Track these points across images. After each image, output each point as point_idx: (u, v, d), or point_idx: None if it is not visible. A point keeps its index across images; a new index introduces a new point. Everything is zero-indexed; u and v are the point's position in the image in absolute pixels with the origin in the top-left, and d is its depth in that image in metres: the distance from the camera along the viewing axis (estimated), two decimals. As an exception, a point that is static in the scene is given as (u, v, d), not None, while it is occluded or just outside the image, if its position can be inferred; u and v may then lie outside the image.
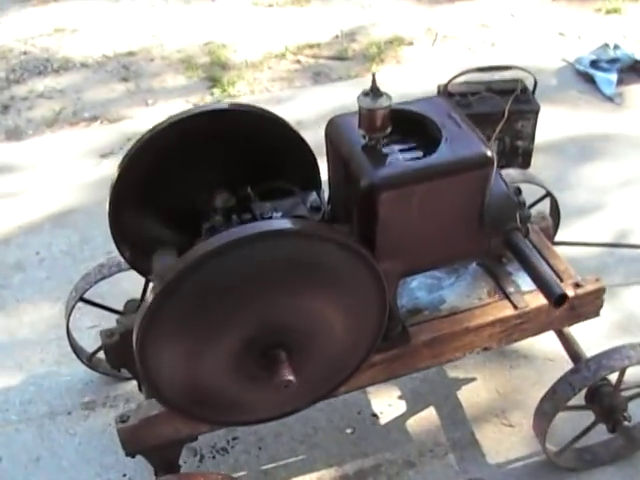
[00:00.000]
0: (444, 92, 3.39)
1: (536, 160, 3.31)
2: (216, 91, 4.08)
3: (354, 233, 1.96)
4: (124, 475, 2.40)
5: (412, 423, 2.55)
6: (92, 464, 2.45)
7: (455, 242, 2.06)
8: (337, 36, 4.66)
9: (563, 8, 4.91)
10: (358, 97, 1.87)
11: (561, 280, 2.30)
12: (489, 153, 1.92)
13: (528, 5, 4.90)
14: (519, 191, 2.11)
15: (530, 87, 3.44)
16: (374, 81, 1.85)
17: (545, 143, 3.54)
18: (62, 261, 3.15)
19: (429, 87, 3.45)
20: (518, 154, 3.45)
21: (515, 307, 2.24)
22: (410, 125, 1.99)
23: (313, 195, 2.10)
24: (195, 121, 2.05)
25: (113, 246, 3.05)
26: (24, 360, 2.77)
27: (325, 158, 2.06)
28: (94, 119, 3.92)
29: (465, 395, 2.62)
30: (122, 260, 2.41)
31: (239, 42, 4.60)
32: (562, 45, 4.48)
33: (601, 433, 2.36)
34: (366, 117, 1.87)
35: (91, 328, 2.79)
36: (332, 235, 1.78)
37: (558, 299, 1.93)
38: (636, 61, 4.17)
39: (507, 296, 2.27)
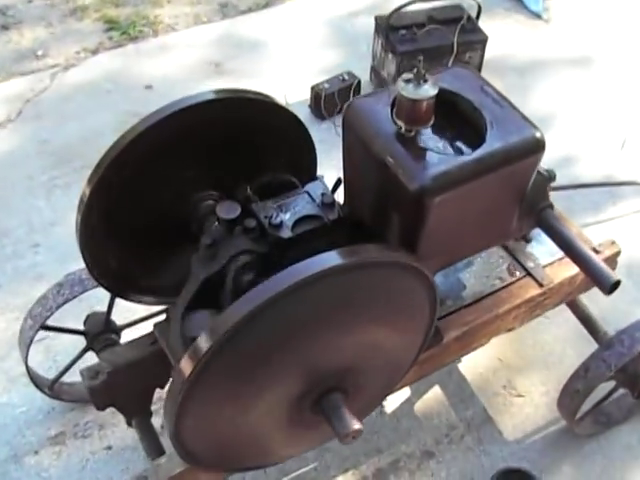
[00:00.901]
0: (386, 26, 3.10)
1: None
2: (114, 34, 3.54)
3: (391, 237, 1.70)
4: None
5: (420, 406, 2.38)
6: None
7: (495, 229, 1.85)
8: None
9: None
10: (398, 84, 1.57)
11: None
12: (540, 135, 1.68)
13: None
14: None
15: (473, 14, 3.22)
16: (419, 66, 1.54)
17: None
18: (-22, 261, 2.69)
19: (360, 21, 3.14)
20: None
21: (540, 285, 2.07)
22: (442, 106, 1.70)
23: (319, 187, 1.79)
24: (168, 122, 1.68)
25: (38, 239, 2.66)
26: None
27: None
28: (-21, 79, 3.33)
29: (467, 368, 2.47)
30: (84, 276, 2.05)
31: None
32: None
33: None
34: (408, 107, 1.58)
35: (38, 341, 2.40)
36: (394, 258, 1.51)
37: (613, 287, 1.77)
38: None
39: (529, 273, 2.10)
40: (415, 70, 1.55)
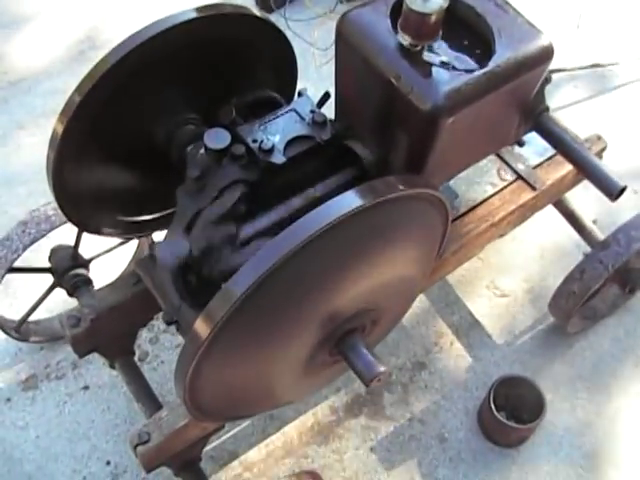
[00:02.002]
0: None
1: None
2: None
3: (395, 158, 1.55)
4: (107, 463, 2.01)
5: (406, 316, 2.29)
6: (63, 459, 2.01)
7: (497, 137, 1.73)
8: None
9: None
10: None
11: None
12: (549, 42, 1.53)
13: None
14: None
15: None
16: (427, -24, 1.36)
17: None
18: None
19: None
20: None
21: (533, 188, 1.98)
22: (449, 20, 1.52)
23: (307, 104, 1.62)
24: (143, 47, 1.48)
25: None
26: None
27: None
28: None
29: (456, 278, 2.39)
30: (50, 213, 1.86)
31: None
32: None
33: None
34: (416, 21, 1.40)
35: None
36: (415, 191, 1.37)
37: (619, 193, 1.68)
38: None
39: (520, 176, 2.00)
40: (423, -21, 1.37)
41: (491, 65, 1.46)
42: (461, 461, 2.07)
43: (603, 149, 2.11)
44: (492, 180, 1.99)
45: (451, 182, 1.97)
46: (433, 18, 1.40)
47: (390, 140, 1.54)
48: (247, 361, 1.37)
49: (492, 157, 2.03)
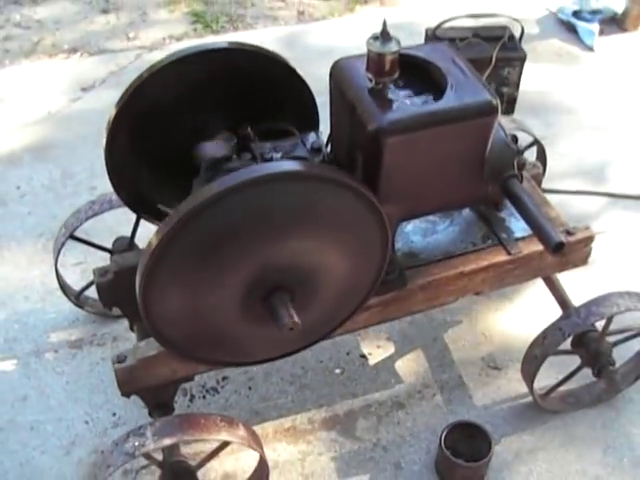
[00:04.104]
0: (432, 36, 3.35)
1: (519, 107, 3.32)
2: (199, 27, 3.97)
3: (358, 177, 1.95)
4: (114, 414, 2.41)
5: (400, 365, 2.58)
6: (80, 403, 2.44)
7: (456, 188, 2.06)
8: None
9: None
10: (367, 41, 1.83)
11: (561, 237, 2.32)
12: (494, 101, 1.91)
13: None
14: (515, 139, 2.11)
15: (517, 35, 3.42)
16: (385, 25, 1.81)
17: (527, 91, 3.53)
18: (44, 196, 3.09)
19: (415, 29, 3.41)
20: (503, 100, 3.44)
21: (508, 253, 2.26)
22: (415, 70, 1.97)
23: (313, 136, 2.07)
24: (194, 59, 2.01)
25: (97, 183, 3.02)
26: (7, 297, 2.74)
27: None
28: (73, 51, 3.80)
29: (452, 338, 2.66)
30: (113, 198, 2.38)
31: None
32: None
33: (584, 377, 2.42)
34: (375, 61, 1.84)
35: (76, 265, 2.77)
36: (334, 175, 1.76)
37: (556, 246, 1.94)
38: (616, 13, 4.17)
39: (501, 242, 2.29)
40: (382, 30, 1.82)
41: (434, 106, 1.87)
42: (409, 489, 2.27)
43: (590, 238, 2.32)
44: (475, 241, 2.29)
45: (438, 236, 2.29)
46: (388, 58, 1.82)
47: (354, 161, 1.95)
48: (189, 285, 1.75)
49: (482, 225, 2.34)
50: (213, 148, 1.98)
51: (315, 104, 2.20)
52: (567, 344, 2.32)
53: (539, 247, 2.27)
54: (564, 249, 1.96)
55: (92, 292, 2.53)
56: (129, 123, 2.04)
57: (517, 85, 3.43)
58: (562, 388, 2.45)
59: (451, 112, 1.87)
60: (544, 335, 2.27)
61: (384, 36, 1.81)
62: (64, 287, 2.56)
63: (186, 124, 2.11)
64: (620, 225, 3.07)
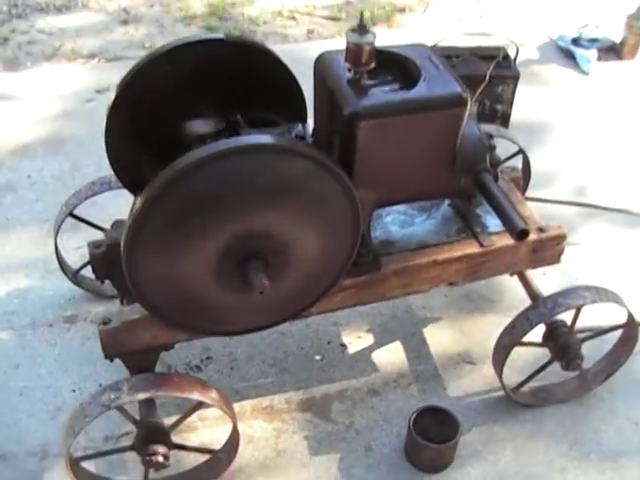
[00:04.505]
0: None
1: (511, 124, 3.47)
2: (212, 40, 4.16)
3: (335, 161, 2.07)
4: (100, 385, 2.51)
5: (379, 355, 2.68)
6: (70, 374, 2.56)
7: (428, 178, 2.17)
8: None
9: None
10: (346, 33, 1.97)
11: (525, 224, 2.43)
12: (463, 93, 2.03)
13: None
14: (490, 136, 2.23)
15: (512, 56, 3.57)
16: (362, 18, 1.95)
17: (522, 110, 3.67)
18: (52, 186, 3.26)
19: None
20: (497, 117, 3.59)
21: (481, 245, 2.36)
22: (392, 65, 2.10)
23: (299, 126, 2.21)
24: (189, 49, 2.14)
25: (103, 175, 3.16)
26: (9, 274, 2.89)
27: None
28: (92, 57, 4.01)
29: (431, 333, 2.76)
30: (112, 180, 2.52)
31: (238, -3, 4.70)
32: (547, 23, 4.62)
33: (558, 376, 2.53)
34: (352, 51, 1.98)
35: (77, 249, 2.89)
36: (308, 151, 1.88)
37: (520, 233, 2.05)
38: (614, 43, 4.32)
39: (474, 235, 2.39)
40: (359, 22, 1.96)
41: (406, 95, 2.00)
42: (376, 469, 2.35)
43: (561, 237, 2.41)
44: (450, 233, 2.40)
45: (415, 228, 2.40)
46: (364, 48, 1.96)
47: (332, 146, 2.08)
48: (169, 249, 1.87)
49: (457, 219, 2.45)
50: (201, 125, 2.12)
51: (304, 100, 2.33)
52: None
53: (511, 241, 2.38)
54: (527, 236, 2.07)
55: (88, 271, 2.67)
56: (127, 108, 2.17)
57: (511, 102, 3.57)
58: (535, 384, 2.54)
59: (421, 101, 2.01)
60: (513, 325, 2.36)
61: (361, 28, 1.95)
62: (63, 264, 2.69)
63: (181, 111, 2.25)
64: (600, 237, 3.17)
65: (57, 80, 3.89)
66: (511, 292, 2.83)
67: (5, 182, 3.28)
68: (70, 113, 3.67)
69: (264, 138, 1.89)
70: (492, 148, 2.25)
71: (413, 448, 2.35)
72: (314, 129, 2.23)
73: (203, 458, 2.28)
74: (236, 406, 2.46)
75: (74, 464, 2.09)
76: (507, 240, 2.38)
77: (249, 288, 1.92)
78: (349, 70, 2.02)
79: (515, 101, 3.53)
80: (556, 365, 2.46)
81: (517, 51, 3.51)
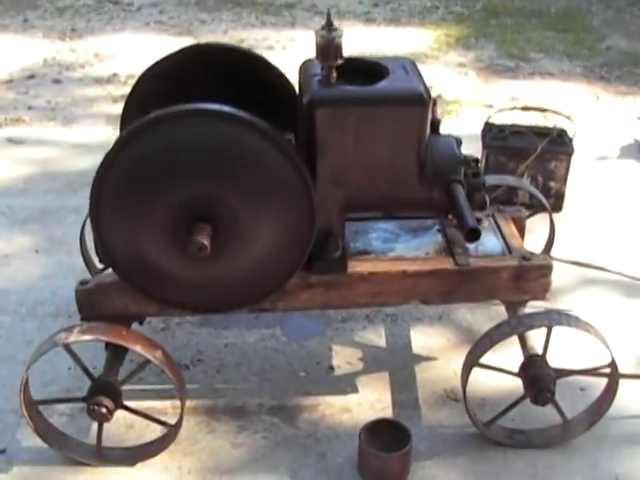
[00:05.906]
0: (485, 123, 3.63)
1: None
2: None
3: (301, 155, 2.21)
4: (94, 368, 2.68)
5: (363, 380, 2.69)
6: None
7: (396, 185, 2.26)
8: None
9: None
10: (315, 31, 2.19)
11: (510, 252, 2.44)
12: (424, 93, 2.16)
13: (613, 90, 5.10)
14: (460, 142, 2.31)
15: (572, 135, 3.60)
16: (329, 16, 2.16)
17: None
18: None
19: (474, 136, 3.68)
20: (550, 195, 3.58)
21: (456, 263, 2.38)
22: (366, 70, 2.28)
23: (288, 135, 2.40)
24: (182, 57, 2.44)
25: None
26: (50, 274, 3.21)
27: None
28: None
29: (422, 368, 2.74)
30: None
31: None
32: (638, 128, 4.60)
33: (542, 422, 2.45)
34: (321, 47, 2.18)
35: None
36: (260, 124, 2.06)
37: (470, 231, 2.10)
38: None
39: (451, 253, 2.43)
40: (326, 20, 2.16)
41: (367, 88, 2.16)
42: (325, 475, 2.33)
43: (547, 267, 2.39)
44: (429, 251, 2.45)
45: (396, 244, 2.48)
46: (332, 43, 2.15)
47: (299, 140, 2.25)
48: (127, 211, 2.09)
49: (442, 240, 2.50)
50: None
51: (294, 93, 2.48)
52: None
53: (490, 264, 2.40)
54: (478, 237, 2.11)
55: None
56: (138, 103, 2.47)
57: (564, 180, 3.58)
58: (514, 426, 2.45)
59: (380, 95, 2.16)
60: (476, 343, 2.33)
61: (329, 25, 2.16)
62: (88, 263, 2.94)
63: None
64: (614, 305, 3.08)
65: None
66: (512, 345, 2.76)
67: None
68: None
69: (216, 106, 2.07)
70: (467, 161, 2.32)
71: (361, 458, 2.32)
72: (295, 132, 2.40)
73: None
74: (209, 402, 2.56)
75: (30, 405, 2.25)
76: (485, 262, 2.40)
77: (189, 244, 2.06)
78: (321, 69, 2.21)
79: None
80: (541, 410, 2.39)
81: (574, 132, 3.55)
